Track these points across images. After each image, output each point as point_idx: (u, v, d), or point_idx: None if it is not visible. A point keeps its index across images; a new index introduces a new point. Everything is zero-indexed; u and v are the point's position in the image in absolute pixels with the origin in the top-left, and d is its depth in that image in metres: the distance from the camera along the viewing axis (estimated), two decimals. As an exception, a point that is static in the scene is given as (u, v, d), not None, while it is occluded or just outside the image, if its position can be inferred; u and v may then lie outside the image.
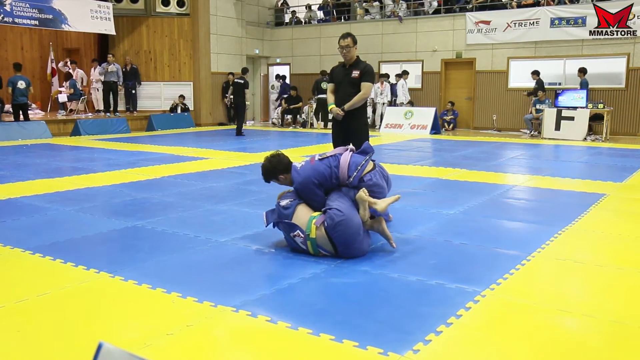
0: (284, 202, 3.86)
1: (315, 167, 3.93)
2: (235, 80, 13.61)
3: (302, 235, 3.73)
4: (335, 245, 3.69)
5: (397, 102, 15.47)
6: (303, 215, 3.79)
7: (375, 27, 16.89)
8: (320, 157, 4.02)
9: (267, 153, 4.24)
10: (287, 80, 18.08)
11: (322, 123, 15.85)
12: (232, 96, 13.90)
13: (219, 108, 16.95)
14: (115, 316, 2.85)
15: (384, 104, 15.48)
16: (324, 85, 15.17)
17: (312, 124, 16.29)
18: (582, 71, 13.09)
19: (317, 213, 3.81)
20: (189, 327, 2.67)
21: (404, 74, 15.53)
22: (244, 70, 13.91)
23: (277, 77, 17.92)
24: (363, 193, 3.82)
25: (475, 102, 15.61)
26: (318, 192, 3.90)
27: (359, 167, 3.95)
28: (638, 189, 6.45)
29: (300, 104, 16.75)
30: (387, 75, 15.75)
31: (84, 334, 2.62)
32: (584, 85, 12.95)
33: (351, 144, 4.33)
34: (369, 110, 15.89)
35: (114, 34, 15.45)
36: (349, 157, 4.00)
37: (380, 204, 3.90)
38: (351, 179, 3.91)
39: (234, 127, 13.82)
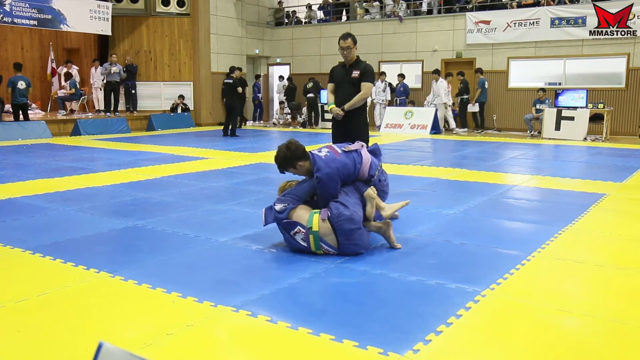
0: (278, 207, 3.82)
1: (342, 160, 3.87)
2: (225, 80, 13.38)
3: (304, 231, 3.70)
4: (337, 236, 3.68)
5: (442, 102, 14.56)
6: (302, 213, 3.78)
7: (375, 27, 16.89)
8: (345, 150, 3.98)
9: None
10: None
11: (314, 123, 15.92)
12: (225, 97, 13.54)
13: (219, 108, 16.94)
14: (115, 316, 2.85)
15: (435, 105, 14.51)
16: (308, 84, 15.85)
17: (311, 124, 16.30)
18: (479, 71, 14.29)
19: (316, 210, 3.81)
20: (189, 327, 2.67)
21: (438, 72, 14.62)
22: (232, 69, 13.62)
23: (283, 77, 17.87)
24: (371, 191, 3.82)
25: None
26: (339, 186, 3.84)
27: (379, 168, 4.00)
28: (638, 189, 6.45)
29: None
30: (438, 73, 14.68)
31: (84, 334, 2.62)
32: (480, 84, 13.97)
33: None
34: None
35: (110, 34, 15.45)
36: (369, 156, 4.01)
37: (387, 211, 3.92)
38: (373, 179, 3.94)
39: (230, 127, 13.50)
